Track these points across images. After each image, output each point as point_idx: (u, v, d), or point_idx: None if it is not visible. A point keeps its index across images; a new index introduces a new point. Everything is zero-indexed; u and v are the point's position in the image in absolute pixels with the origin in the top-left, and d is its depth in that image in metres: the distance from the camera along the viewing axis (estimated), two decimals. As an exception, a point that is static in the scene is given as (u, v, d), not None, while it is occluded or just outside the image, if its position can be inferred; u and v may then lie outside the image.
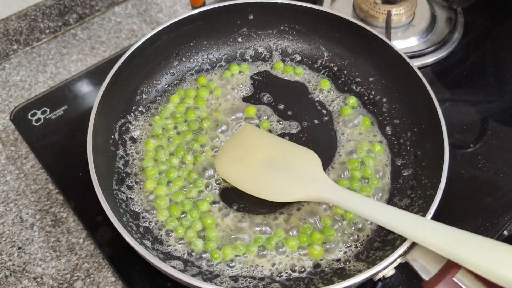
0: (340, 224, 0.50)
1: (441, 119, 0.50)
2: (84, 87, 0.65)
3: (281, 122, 0.59)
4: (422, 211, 0.46)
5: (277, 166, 0.51)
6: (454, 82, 0.68)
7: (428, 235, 0.40)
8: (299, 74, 0.64)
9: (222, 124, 0.58)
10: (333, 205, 0.51)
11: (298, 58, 0.66)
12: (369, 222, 0.50)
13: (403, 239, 0.43)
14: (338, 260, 0.48)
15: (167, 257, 0.47)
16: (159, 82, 0.62)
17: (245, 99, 0.62)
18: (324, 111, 0.61)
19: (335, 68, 0.65)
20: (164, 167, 0.54)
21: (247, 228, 0.50)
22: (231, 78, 0.64)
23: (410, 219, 0.42)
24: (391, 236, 0.47)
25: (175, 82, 0.63)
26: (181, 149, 0.55)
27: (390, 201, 0.52)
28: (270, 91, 0.63)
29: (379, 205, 0.44)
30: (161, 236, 0.50)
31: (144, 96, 0.60)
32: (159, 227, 0.50)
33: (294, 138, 0.58)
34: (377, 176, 0.54)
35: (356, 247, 0.49)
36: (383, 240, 0.48)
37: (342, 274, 0.46)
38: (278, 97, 0.62)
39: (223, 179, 0.53)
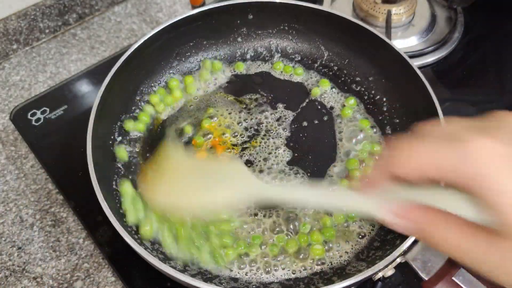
0: (340, 223, 0.50)
1: (441, 119, 0.50)
2: (84, 87, 0.65)
3: (281, 122, 0.59)
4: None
5: (203, 180, 0.45)
6: (454, 82, 0.68)
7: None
8: (299, 74, 0.64)
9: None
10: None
11: (298, 57, 0.66)
12: (370, 223, 0.50)
13: (403, 239, 0.43)
14: (338, 260, 0.48)
15: (167, 257, 0.47)
16: (159, 82, 0.62)
17: (245, 99, 0.62)
18: (324, 111, 0.61)
19: (335, 68, 0.65)
20: None
21: (247, 229, 0.50)
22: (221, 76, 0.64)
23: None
24: (391, 236, 0.47)
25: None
26: None
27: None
28: (270, 91, 0.63)
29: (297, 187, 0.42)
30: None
31: (144, 97, 0.60)
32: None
33: (294, 137, 0.58)
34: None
35: (356, 246, 0.49)
36: (383, 240, 0.48)
37: (342, 274, 0.46)
38: (278, 97, 0.62)
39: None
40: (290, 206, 0.49)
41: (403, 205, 0.31)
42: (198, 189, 0.44)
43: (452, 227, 0.28)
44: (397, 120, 0.58)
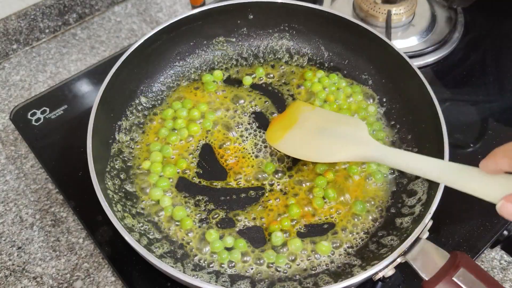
0: (341, 223, 0.51)
1: (441, 119, 0.50)
2: (84, 87, 0.65)
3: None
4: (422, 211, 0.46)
5: (326, 132, 0.52)
6: (454, 82, 0.68)
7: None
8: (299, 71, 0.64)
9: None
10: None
11: (298, 57, 0.66)
12: (371, 220, 0.51)
13: (401, 239, 0.43)
14: (338, 260, 0.48)
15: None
16: (159, 82, 0.62)
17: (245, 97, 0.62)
18: (324, 111, 0.61)
19: (335, 68, 0.65)
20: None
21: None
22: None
23: (442, 164, 0.42)
24: (391, 236, 0.47)
25: (175, 82, 0.63)
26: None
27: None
28: (269, 90, 0.63)
29: (419, 157, 0.44)
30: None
31: (144, 97, 0.60)
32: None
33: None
34: (378, 177, 0.54)
35: (356, 246, 0.49)
36: (383, 240, 0.48)
37: (343, 273, 0.46)
38: (278, 96, 0.62)
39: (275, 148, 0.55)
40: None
41: None
42: (318, 142, 0.52)
43: None
44: (397, 121, 0.58)
